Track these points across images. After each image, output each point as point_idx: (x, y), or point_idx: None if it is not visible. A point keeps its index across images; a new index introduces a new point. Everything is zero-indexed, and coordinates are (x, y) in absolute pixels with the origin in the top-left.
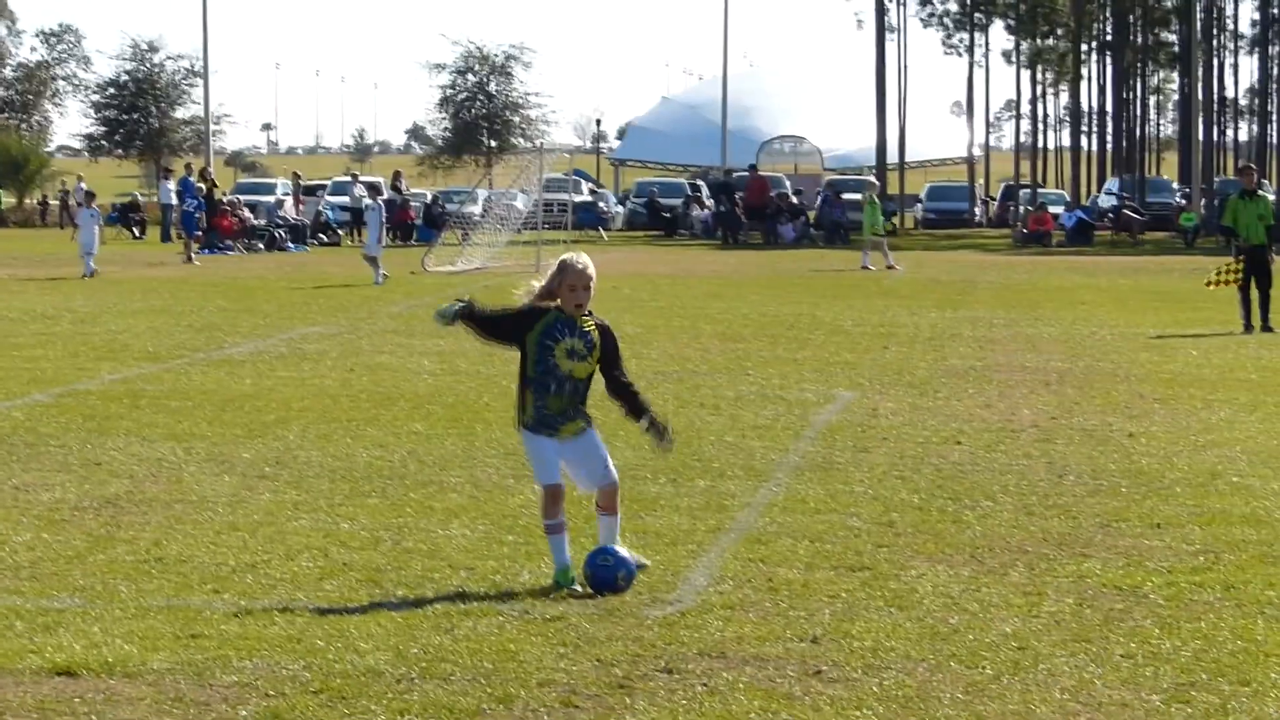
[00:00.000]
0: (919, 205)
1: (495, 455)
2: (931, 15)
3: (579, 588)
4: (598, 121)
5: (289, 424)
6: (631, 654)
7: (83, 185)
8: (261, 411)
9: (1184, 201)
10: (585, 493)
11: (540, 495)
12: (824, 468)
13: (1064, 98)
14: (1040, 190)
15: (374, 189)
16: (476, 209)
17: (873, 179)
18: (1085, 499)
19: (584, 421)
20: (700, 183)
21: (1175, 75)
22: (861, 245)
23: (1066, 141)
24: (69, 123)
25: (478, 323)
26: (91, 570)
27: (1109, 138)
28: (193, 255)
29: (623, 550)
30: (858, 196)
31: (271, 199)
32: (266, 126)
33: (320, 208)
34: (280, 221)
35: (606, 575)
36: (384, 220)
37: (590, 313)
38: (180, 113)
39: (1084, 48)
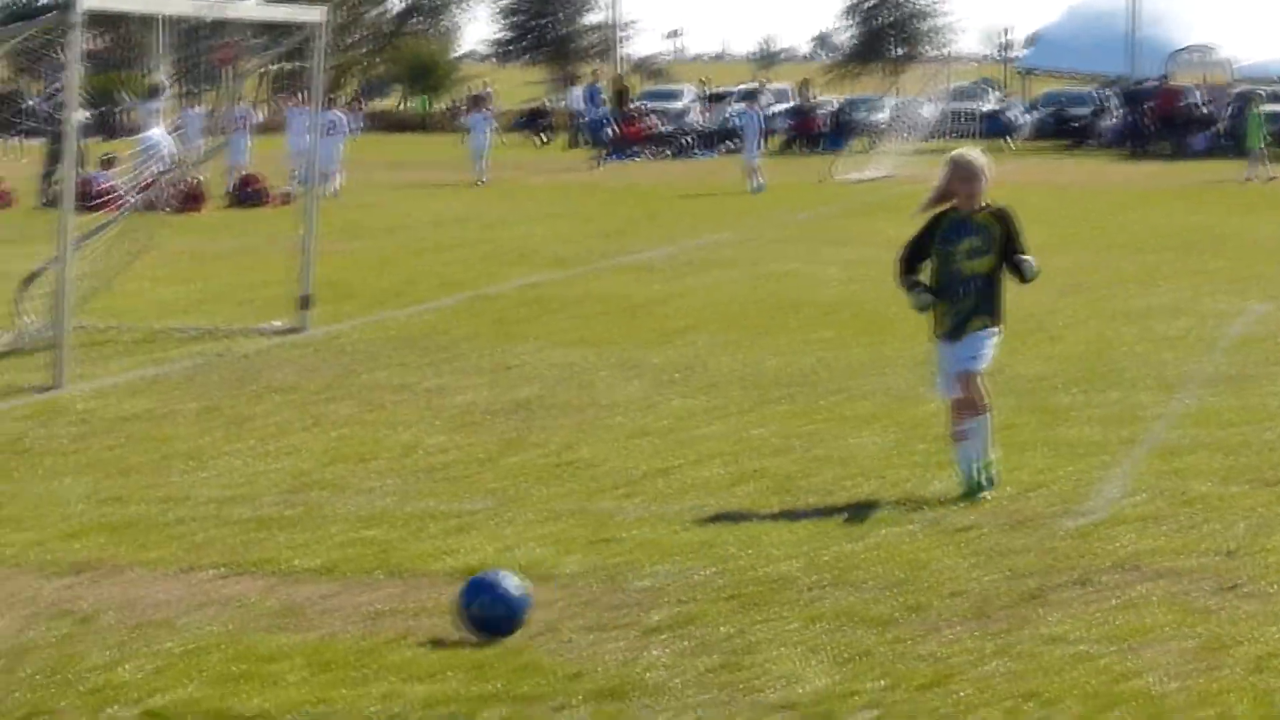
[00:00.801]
0: None
1: (906, 364)
2: None
3: (988, 495)
4: (1005, 30)
5: (697, 330)
6: (1044, 565)
7: (474, 91)
8: (670, 318)
9: None
10: (944, 396)
11: (948, 406)
12: (1237, 380)
13: None
14: None
15: (749, 96)
16: (884, 117)
17: (1258, 90)
18: None
19: (988, 320)
20: (1109, 92)
21: None
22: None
23: None
24: (477, 28)
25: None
26: (503, 473)
27: None
28: (600, 162)
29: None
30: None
31: (678, 105)
32: (673, 34)
33: (727, 114)
34: (687, 128)
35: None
36: (761, 128)
37: (986, 204)
38: (587, 19)
39: None
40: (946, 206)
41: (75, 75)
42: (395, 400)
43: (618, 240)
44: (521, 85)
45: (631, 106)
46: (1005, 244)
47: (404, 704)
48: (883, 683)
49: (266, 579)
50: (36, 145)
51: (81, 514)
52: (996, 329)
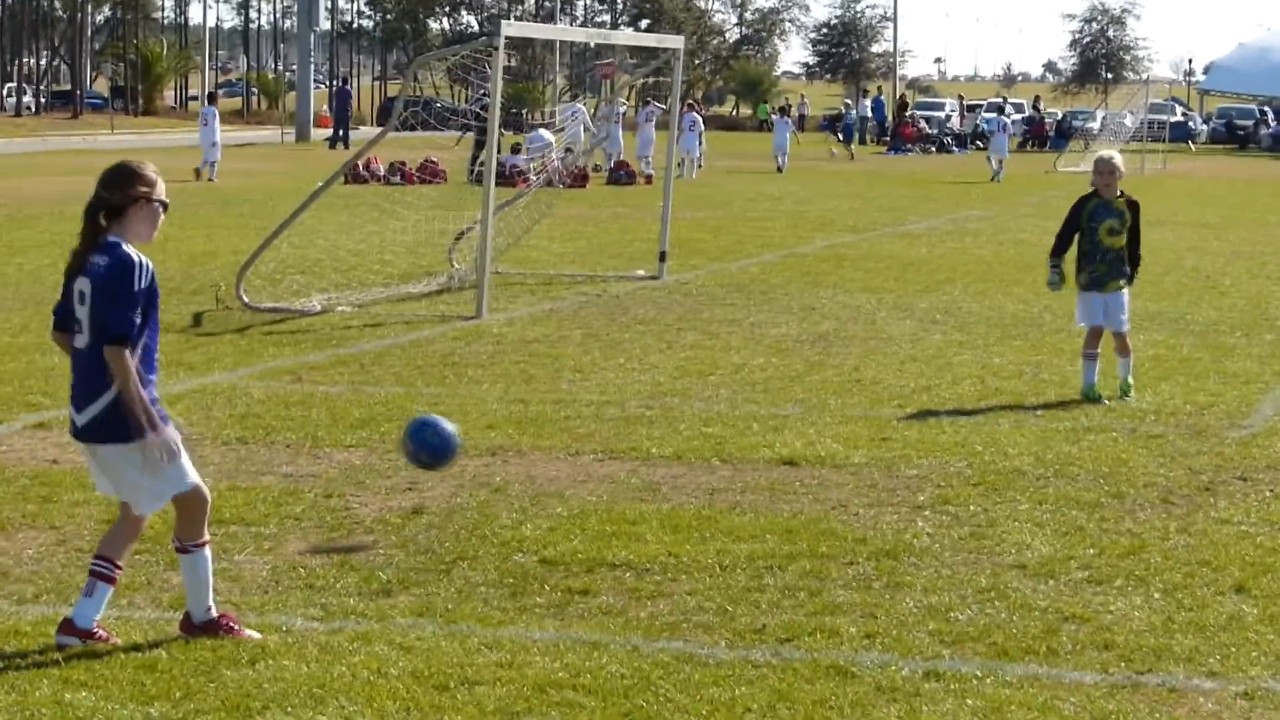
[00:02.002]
0: None
1: None
2: None
3: (1106, 401)
4: (1189, 60)
5: (954, 283)
6: (1215, 465)
7: (781, 104)
8: (934, 272)
9: None
10: (1081, 324)
11: (1084, 332)
12: None
13: None
14: None
15: (998, 108)
16: (1096, 125)
17: None
18: None
19: (1124, 281)
20: (1268, 109)
21: None
22: None
23: None
24: (791, 53)
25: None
26: (808, 387)
27: None
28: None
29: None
30: None
31: (941, 114)
32: (938, 60)
33: (978, 121)
34: (948, 131)
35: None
36: (1009, 132)
37: (1121, 193)
38: (874, 48)
39: None
40: (1090, 194)
41: (498, 84)
42: (728, 331)
43: (895, 214)
44: (824, 96)
45: (907, 115)
46: (1132, 228)
47: (732, 558)
48: (1091, 551)
49: (632, 462)
50: (461, 136)
51: (495, 411)
52: (1128, 288)
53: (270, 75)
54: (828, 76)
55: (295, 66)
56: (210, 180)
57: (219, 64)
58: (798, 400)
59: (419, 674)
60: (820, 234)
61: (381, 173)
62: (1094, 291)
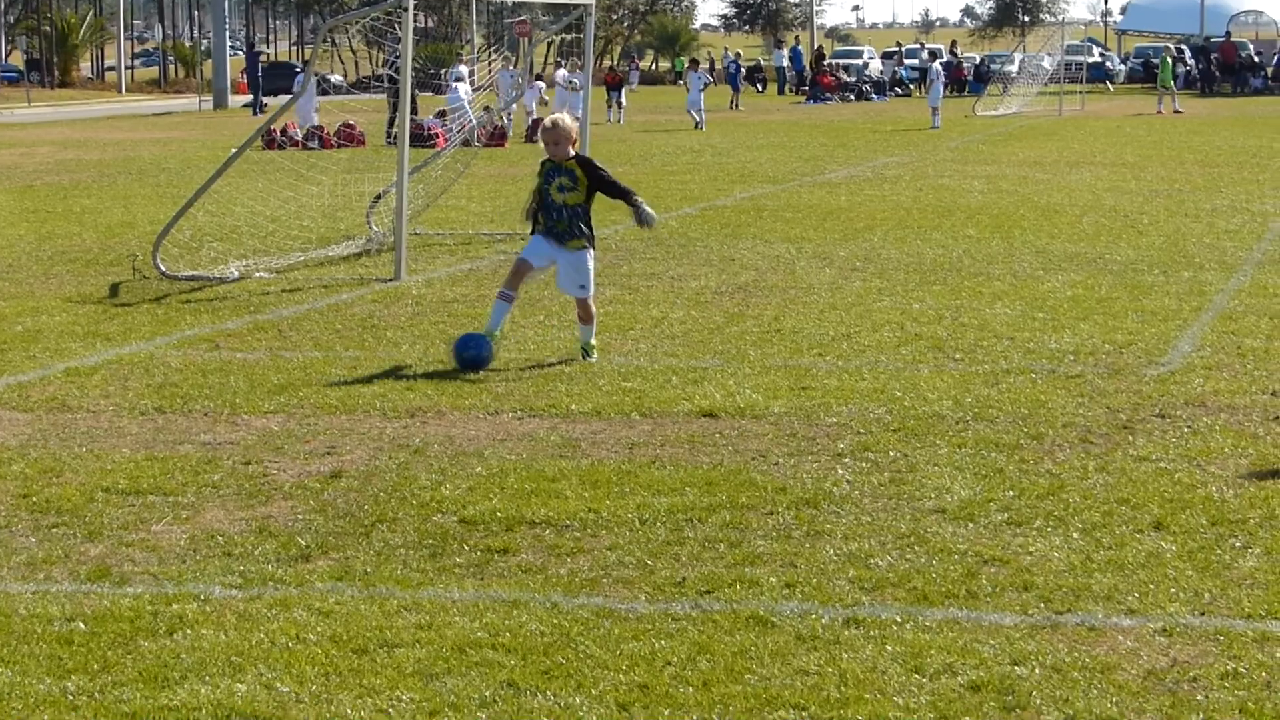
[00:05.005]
0: None
1: (1029, 253)
2: None
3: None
4: (1105, 1)
5: (873, 230)
6: (1133, 403)
7: (692, 55)
8: (852, 220)
9: None
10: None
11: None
12: None
13: None
14: None
15: (934, 54)
16: (1014, 68)
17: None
18: None
19: (584, 241)
20: (1184, 47)
21: None
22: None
23: None
24: (709, 6)
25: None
26: (728, 339)
27: None
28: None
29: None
30: None
31: (859, 62)
32: (855, 8)
33: (896, 68)
34: (866, 79)
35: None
36: (944, 79)
37: (574, 156)
38: None
39: None
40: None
41: (408, 45)
42: (647, 285)
43: (814, 163)
44: (743, 47)
45: (824, 63)
46: (590, 184)
47: (653, 512)
48: (1011, 493)
49: (551, 419)
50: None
51: (414, 372)
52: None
53: (186, 44)
54: (745, 28)
55: (211, 34)
56: None
57: (135, 33)
58: (717, 352)
59: (338, 638)
60: (740, 185)
61: (298, 138)
62: (540, 238)
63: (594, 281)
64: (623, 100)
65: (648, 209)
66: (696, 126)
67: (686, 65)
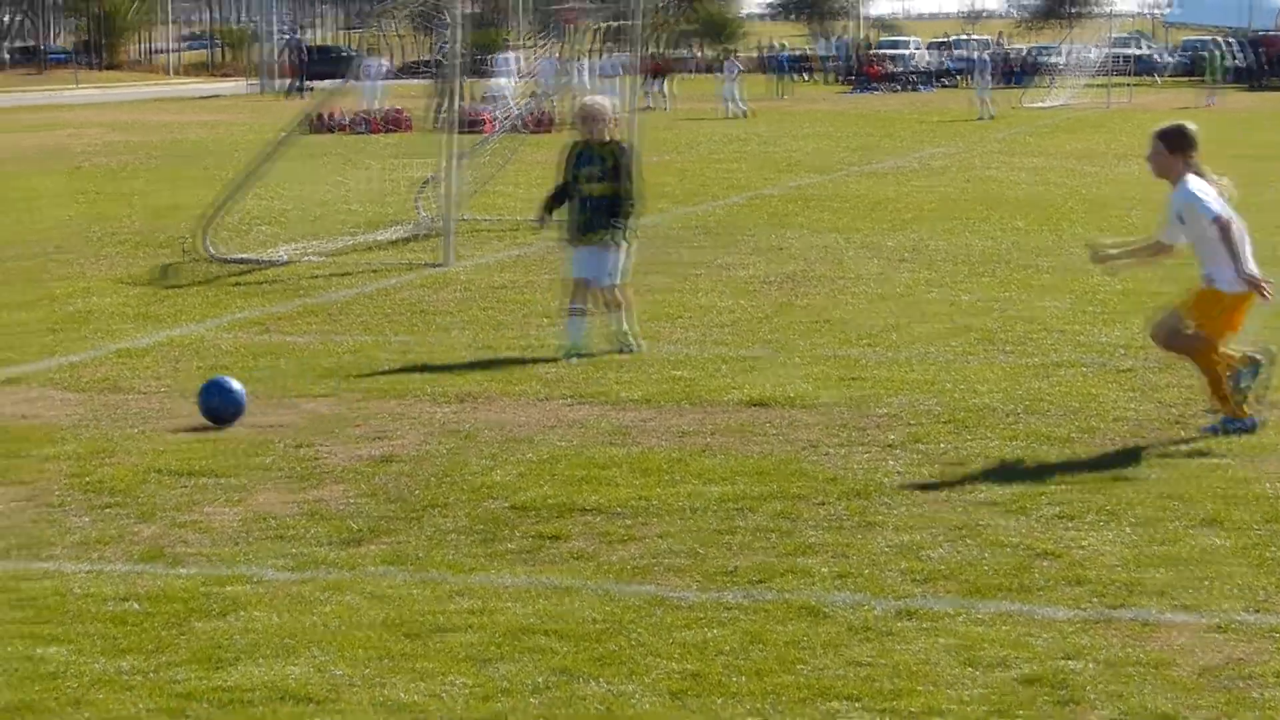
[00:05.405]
0: None
1: (1078, 246)
2: None
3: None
4: None
5: (921, 221)
6: (1185, 398)
7: (730, 46)
8: (900, 211)
9: None
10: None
11: None
12: None
13: None
14: None
15: (984, 45)
16: (1061, 60)
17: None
18: None
19: (606, 235)
20: (1232, 40)
21: None
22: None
23: None
24: None
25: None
26: (776, 328)
27: None
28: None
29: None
30: None
31: (907, 52)
32: None
33: (943, 58)
34: (913, 69)
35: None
36: (990, 70)
37: (610, 139)
38: None
39: None
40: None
41: (458, 31)
42: (696, 274)
43: (861, 154)
44: (789, 37)
45: (871, 53)
46: (619, 170)
47: (703, 500)
48: (1062, 486)
49: (602, 407)
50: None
51: (464, 358)
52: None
53: (234, 27)
54: (792, 17)
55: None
56: None
57: (183, 16)
58: (766, 341)
59: (390, 622)
60: (787, 175)
61: (347, 122)
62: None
63: (622, 270)
64: (664, 89)
65: (622, 237)
66: (738, 115)
67: (721, 56)
